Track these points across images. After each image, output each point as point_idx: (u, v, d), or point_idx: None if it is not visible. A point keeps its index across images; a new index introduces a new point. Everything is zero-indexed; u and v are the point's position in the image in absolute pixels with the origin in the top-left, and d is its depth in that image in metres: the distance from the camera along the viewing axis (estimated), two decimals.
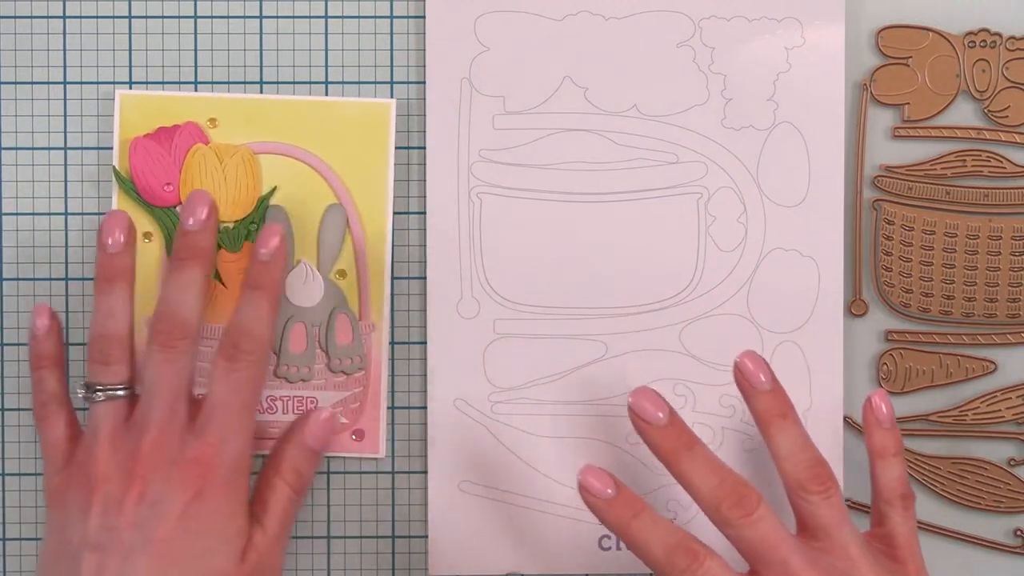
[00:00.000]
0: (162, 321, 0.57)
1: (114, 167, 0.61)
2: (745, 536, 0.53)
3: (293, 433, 0.60)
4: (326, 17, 0.62)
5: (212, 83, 0.62)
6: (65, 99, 0.62)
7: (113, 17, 0.62)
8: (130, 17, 0.62)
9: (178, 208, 0.61)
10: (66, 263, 0.62)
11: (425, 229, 0.62)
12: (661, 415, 0.54)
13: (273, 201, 0.61)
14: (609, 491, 0.54)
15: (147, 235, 0.61)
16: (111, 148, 0.61)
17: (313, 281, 0.61)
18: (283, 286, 0.60)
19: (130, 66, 0.62)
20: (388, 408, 0.62)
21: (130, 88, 0.62)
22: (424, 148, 0.62)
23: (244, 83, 0.62)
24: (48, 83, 0.62)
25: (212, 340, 0.61)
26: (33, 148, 0.62)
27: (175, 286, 0.58)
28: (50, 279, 0.62)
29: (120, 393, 0.57)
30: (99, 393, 0.57)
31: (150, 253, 0.61)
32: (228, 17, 0.62)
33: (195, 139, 0.61)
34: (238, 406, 0.57)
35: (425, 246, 0.62)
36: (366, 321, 0.61)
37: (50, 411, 0.59)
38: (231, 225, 0.61)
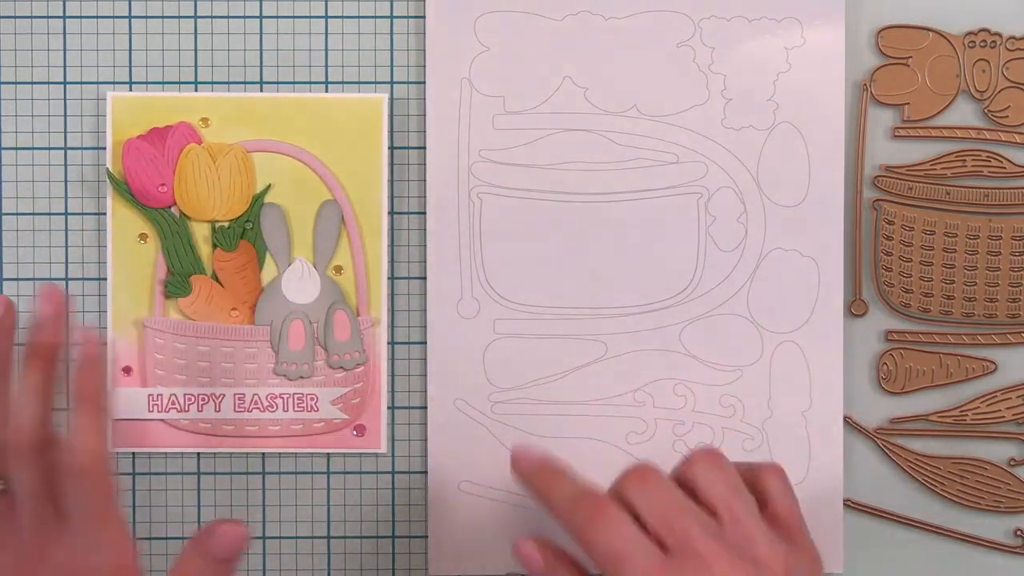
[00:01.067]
0: (15, 431, 0.54)
1: (107, 169, 0.61)
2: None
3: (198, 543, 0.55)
4: (326, 17, 0.62)
5: (212, 83, 0.62)
6: (65, 99, 0.62)
7: (113, 17, 0.62)
8: (130, 17, 0.62)
9: (173, 209, 0.61)
10: (66, 263, 0.62)
11: (425, 229, 0.62)
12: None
13: (267, 199, 0.61)
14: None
15: (142, 236, 0.61)
16: (104, 149, 0.61)
17: (309, 278, 0.61)
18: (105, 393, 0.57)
19: (130, 66, 0.62)
20: (388, 408, 0.62)
21: (130, 88, 0.62)
22: (424, 148, 0.62)
23: (244, 83, 0.62)
24: (48, 83, 0.62)
25: (212, 339, 0.61)
26: (33, 148, 0.62)
27: (21, 391, 0.55)
28: (50, 279, 0.62)
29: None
30: None
31: (146, 254, 0.61)
32: (228, 17, 0.62)
33: (188, 139, 0.61)
34: (94, 519, 0.53)
35: (425, 246, 0.62)
36: (365, 316, 0.61)
37: None
38: (226, 224, 0.61)
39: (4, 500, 0.55)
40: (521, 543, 0.54)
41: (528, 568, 0.54)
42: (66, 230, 0.62)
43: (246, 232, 0.61)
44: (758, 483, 0.54)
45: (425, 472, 0.62)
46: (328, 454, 0.62)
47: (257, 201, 0.61)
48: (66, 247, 0.62)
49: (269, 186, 0.61)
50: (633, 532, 0.51)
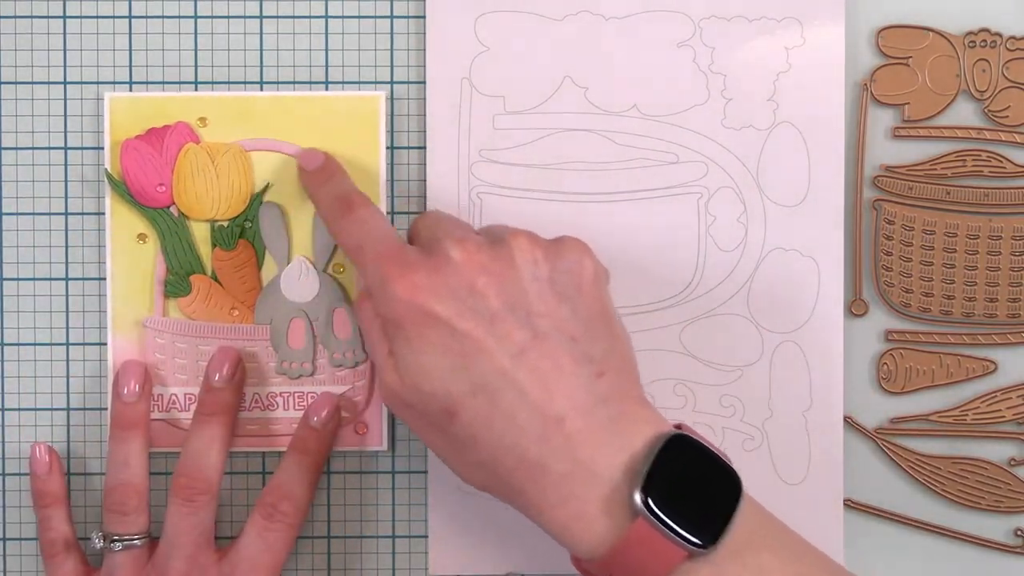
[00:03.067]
0: (183, 475, 0.58)
1: (106, 170, 0.61)
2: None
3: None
4: (326, 17, 0.62)
5: (212, 83, 0.62)
6: (65, 99, 0.62)
7: (113, 17, 0.62)
8: (130, 17, 0.62)
9: (172, 208, 0.61)
10: (66, 263, 0.62)
11: None
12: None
13: (266, 198, 0.61)
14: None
15: (141, 236, 0.61)
16: (103, 149, 0.61)
17: (309, 277, 0.61)
18: (328, 453, 0.61)
19: (130, 66, 0.62)
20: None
21: (130, 88, 0.62)
22: (424, 148, 0.62)
23: (244, 83, 0.62)
24: (48, 83, 0.62)
25: (212, 339, 0.61)
26: (33, 148, 0.62)
27: (198, 441, 0.59)
28: (50, 279, 0.62)
29: (137, 543, 0.58)
30: (116, 543, 0.58)
31: (145, 254, 0.61)
32: (228, 17, 0.62)
33: (186, 139, 0.61)
34: (266, 566, 0.58)
35: None
36: None
37: (57, 550, 0.60)
38: (225, 223, 0.61)
39: (147, 552, 0.59)
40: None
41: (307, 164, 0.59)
42: (66, 230, 0.62)
43: (245, 231, 0.61)
44: None
45: (425, 472, 0.62)
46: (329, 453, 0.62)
47: (256, 200, 0.61)
48: (66, 247, 0.62)
49: (268, 185, 0.61)
50: (377, 228, 0.54)
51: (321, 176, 0.59)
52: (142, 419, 0.59)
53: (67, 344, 0.62)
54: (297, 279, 0.61)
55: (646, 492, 0.49)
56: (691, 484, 0.50)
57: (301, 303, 0.61)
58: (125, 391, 0.59)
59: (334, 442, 0.61)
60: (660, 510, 0.49)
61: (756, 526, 0.51)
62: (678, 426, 0.52)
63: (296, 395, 0.61)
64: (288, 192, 0.61)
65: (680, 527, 0.49)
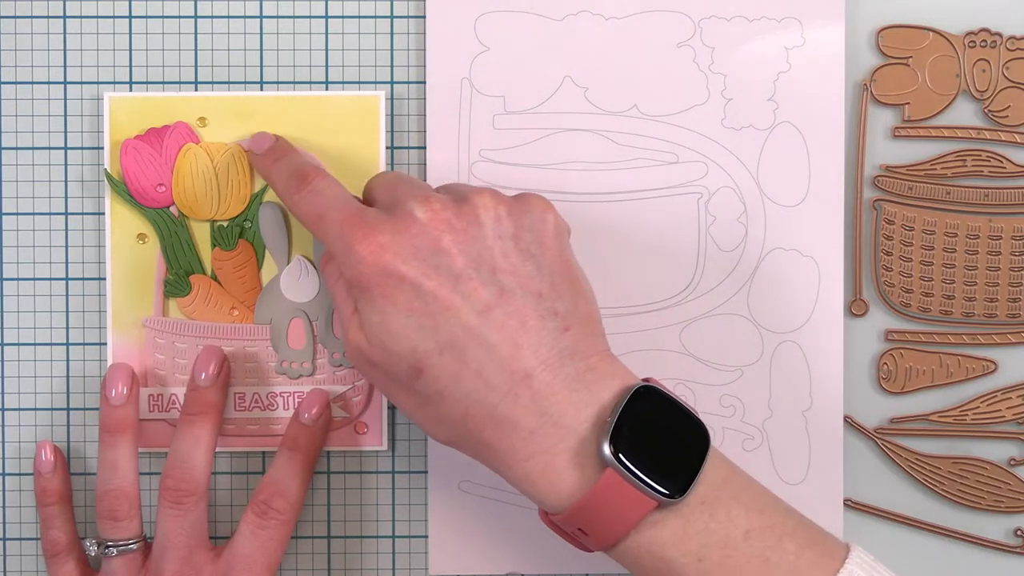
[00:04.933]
0: (171, 477, 0.58)
1: (105, 170, 0.61)
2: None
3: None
4: (326, 17, 0.62)
5: (212, 83, 0.62)
6: (65, 99, 0.62)
7: (113, 17, 0.62)
8: (130, 17, 0.62)
9: (172, 208, 0.61)
10: (66, 263, 0.62)
11: None
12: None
13: (266, 198, 0.61)
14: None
15: (141, 236, 0.61)
16: (103, 149, 0.61)
17: (308, 276, 0.61)
18: (320, 450, 0.61)
19: (130, 66, 0.62)
20: (389, 408, 0.62)
21: (130, 89, 0.62)
22: (424, 148, 0.62)
23: (244, 83, 0.62)
24: (48, 83, 0.62)
25: (212, 339, 0.61)
26: (33, 148, 0.62)
27: (184, 442, 0.58)
28: (50, 279, 0.62)
29: (133, 547, 0.59)
30: (111, 549, 0.58)
31: (145, 254, 0.61)
32: (228, 17, 0.62)
33: (185, 139, 0.61)
34: (261, 564, 0.58)
35: None
36: None
37: (59, 550, 0.60)
38: (225, 223, 0.61)
39: (142, 555, 0.59)
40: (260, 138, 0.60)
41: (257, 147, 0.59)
42: (66, 230, 0.62)
43: (244, 231, 0.61)
44: None
45: (425, 472, 0.62)
46: (328, 453, 0.62)
47: (255, 200, 0.61)
48: (66, 247, 0.62)
49: (267, 185, 0.61)
50: (335, 196, 0.54)
51: (272, 156, 0.59)
52: (130, 423, 0.59)
53: (67, 344, 0.62)
54: (297, 279, 0.61)
55: (614, 443, 0.49)
56: (659, 435, 0.50)
57: (301, 303, 0.61)
58: (113, 394, 0.59)
59: (326, 439, 0.61)
60: (629, 461, 0.49)
61: (724, 478, 0.51)
62: (647, 380, 0.52)
63: (296, 395, 0.62)
64: None
65: (649, 478, 0.49)
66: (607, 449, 0.49)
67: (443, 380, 0.51)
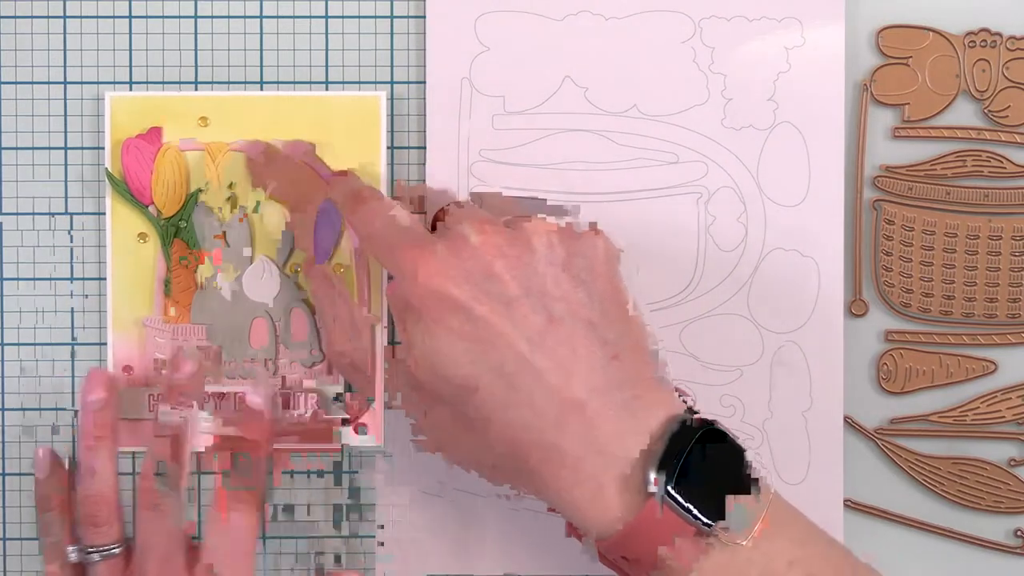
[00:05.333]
0: (146, 479, 0.58)
1: (106, 169, 0.61)
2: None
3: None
4: (326, 17, 0.62)
5: (212, 83, 0.62)
6: (65, 99, 0.62)
7: (113, 17, 0.62)
8: (130, 17, 0.62)
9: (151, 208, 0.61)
10: (71, 263, 0.62)
11: None
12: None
13: (267, 198, 0.61)
14: None
15: (142, 236, 0.61)
16: (103, 149, 0.61)
17: (271, 277, 0.61)
18: (273, 437, 0.61)
19: (130, 66, 0.62)
20: (387, 408, 0.62)
21: (130, 88, 0.62)
22: (424, 148, 0.62)
23: (244, 83, 0.62)
24: (48, 83, 0.62)
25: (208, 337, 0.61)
26: (33, 148, 0.62)
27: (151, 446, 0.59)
28: (50, 279, 0.62)
29: (115, 551, 0.58)
30: (94, 554, 0.58)
31: (145, 254, 0.61)
32: (228, 17, 0.62)
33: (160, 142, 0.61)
34: (237, 552, 0.57)
35: None
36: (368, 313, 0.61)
37: (57, 555, 0.59)
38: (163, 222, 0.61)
39: (125, 559, 0.58)
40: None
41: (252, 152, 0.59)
42: (69, 230, 0.62)
43: (180, 231, 0.61)
44: None
45: (423, 472, 0.62)
46: (328, 453, 0.62)
47: (191, 198, 0.60)
48: (70, 247, 0.62)
49: (207, 184, 0.61)
50: (391, 219, 0.54)
51: (342, 181, 0.59)
52: (109, 428, 0.59)
53: (67, 344, 0.62)
54: (259, 278, 0.61)
55: (661, 473, 0.49)
56: (706, 466, 0.50)
57: (263, 303, 0.61)
58: (91, 399, 0.58)
59: (278, 426, 0.61)
60: (676, 491, 0.49)
61: (769, 508, 0.51)
62: (711, 421, 0.52)
63: (296, 394, 0.61)
64: (288, 192, 0.61)
65: (695, 507, 0.49)
66: (653, 478, 0.49)
67: (491, 406, 0.51)
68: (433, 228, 0.56)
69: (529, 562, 0.62)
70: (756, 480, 0.51)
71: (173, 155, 0.61)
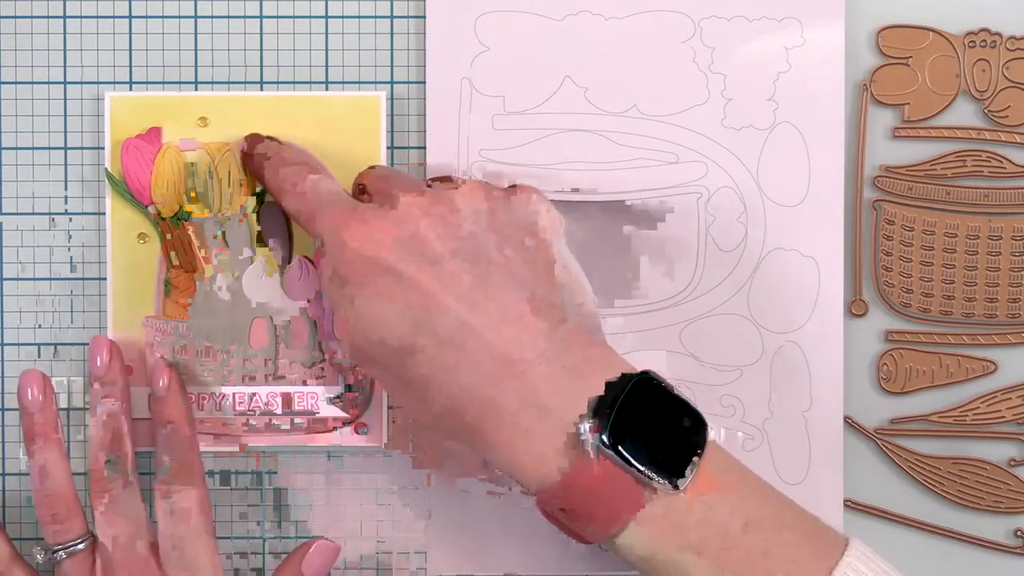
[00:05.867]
0: (94, 470, 0.57)
1: (106, 169, 0.61)
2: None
3: (292, 560, 0.60)
4: (326, 17, 0.62)
5: (212, 83, 0.62)
6: (65, 99, 0.62)
7: (113, 17, 0.62)
8: (130, 17, 0.62)
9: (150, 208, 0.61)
10: (69, 263, 0.62)
11: None
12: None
13: (267, 198, 0.61)
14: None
15: (142, 236, 0.61)
16: (103, 149, 0.61)
17: (309, 276, 0.61)
18: (190, 414, 0.60)
19: (130, 66, 0.62)
20: (389, 407, 0.62)
21: (130, 88, 0.62)
22: (424, 148, 0.62)
23: (244, 83, 0.62)
24: (48, 83, 0.62)
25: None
26: (33, 148, 0.62)
27: (95, 431, 0.58)
28: (50, 279, 0.62)
29: (80, 546, 0.58)
30: (59, 553, 0.58)
31: (146, 254, 0.61)
32: (228, 17, 0.62)
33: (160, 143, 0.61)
34: (190, 537, 0.57)
35: None
36: None
37: (11, 572, 0.59)
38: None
39: (91, 552, 0.58)
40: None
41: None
42: (68, 230, 0.62)
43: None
44: None
45: (425, 472, 0.62)
46: (328, 453, 0.62)
47: (256, 200, 0.61)
48: (68, 247, 0.62)
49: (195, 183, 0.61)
50: (326, 191, 0.55)
51: (265, 153, 0.59)
52: (51, 426, 0.58)
53: (67, 344, 0.62)
54: (297, 279, 0.61)
55: (613, 433, 0.49)
56: (658, 426, 0.50)
57: (302, 302, 0.61)
58: (28, 398, 0.58)
59: (189, 403, 0.60)
60: (627, 451, 0.49)
61: (722, 469, 0.51)
62: (645, 371, 0.52)
63: (296, 394, 0.61)
64: None
65: (646, 468, 0.49)
66: (605, 438, 0.49)
67: (427, 365, 0.51)
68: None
69: (529, 562, 0.62)
70: (698, 430, 0.50)
71: (173, 155, 0.61)
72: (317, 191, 0.55)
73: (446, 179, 0.56)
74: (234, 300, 0.61)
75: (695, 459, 0.50)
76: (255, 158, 0.59)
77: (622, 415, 0.49)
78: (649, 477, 0.49)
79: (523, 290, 0.51)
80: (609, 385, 0.50)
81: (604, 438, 0.49)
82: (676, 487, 0.49)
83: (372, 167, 0.58)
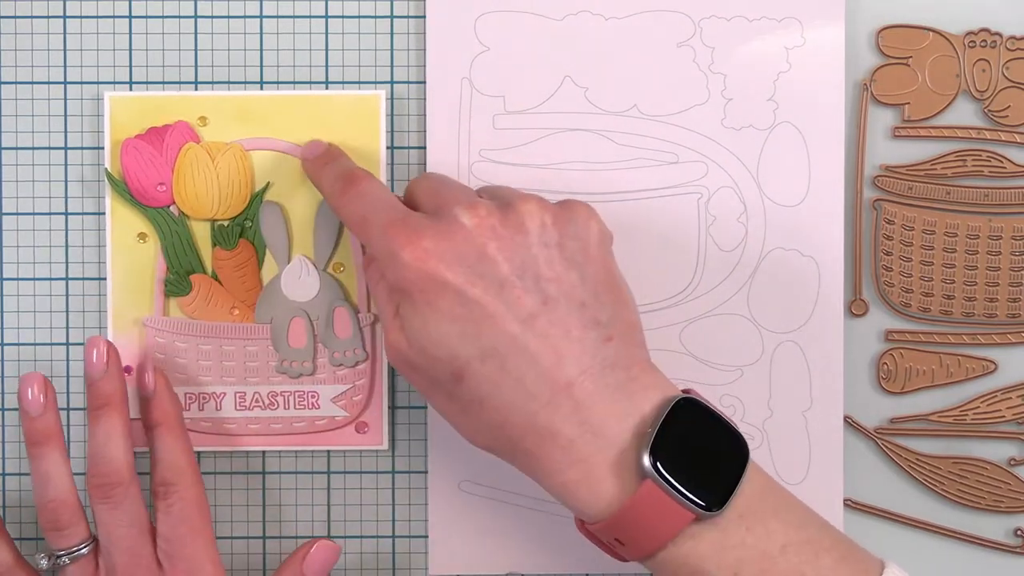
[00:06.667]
0: (94, 475, 0.57)
1: (106, 169, 0.61)
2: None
3: (294, 560, 0.60)
4: (326, 17, 0.62)
5: (212, 83, 0.62)
6: (65, 99, 0.62)
7: (113, 17, 0.62)
8: (130, 17, 0.62)
9: (172, 208, 0.61)
10: (66, 263, 0.62)
11: None
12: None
13: (267, 197, 0.61)
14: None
15: (141, 236, 0.61)
16: (103, 149, 0.61)
17: (309, 276, 0.61)
18: (180, 414, 0.61)
19: (130, 66, 0.62)
20: (389, 407, 0.62)
21: (130, 88, 0.62)
22: (424, 148, 0.62)
23: (244, 83, 0.62)
24: (48, 83, 0.62)
25: (213, 338, 0.61)
26: (33, 148, 0.62)
27: (96, 437, 0.58)
28: (50, 279, 0.62)
29: (83, 551, 0.58)
30: (63, 558, 0.58)
31: (146, 254, 0.61)
32: (228, 17, 0.62)
33: (186, 138, 0.61)
34: (189, 536, 0.57)
35: None
36: (366, 313, 0.61)
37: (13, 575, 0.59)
38: (226, 223, 0.61)
39: (94, 558, 0.58)
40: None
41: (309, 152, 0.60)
42: (66, 230, 0.62)
43: (245, 230, 0.61)
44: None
45: (425, 472, 0.62)
46: (328, 453, 0.62)
47: (256, 199, 0.61)
48: (66, 247, 0.62)
49: (268, 184, 0.61)
50: (380, 199, 0.54)
51: (322, 160, 0.59)
52: (53, 431, 0.58)
53: (67, 344, 0.62)
54: (297, 278, 0.61)
55: (654, 455, 0.49)
56: (699, 448, 0.50)
57: (302, 302, 0.61)
58: (30, 402, 0.57)
59: (179, 403, 0.60)
60: (668, 472, 0.49)
61: (762, 492, 0.51)
62: (687, 391, 0.52)
63: (297, 394, 0.61)
64: (289, 191, 0.61)
65: (687, 490, 0.49)
66: (647, 460, 0.49)
67: (484, 387, 0.51)
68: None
69: (530, 562, 0.62)
70: (748, 461, 0.51)
71: (237, 154, 0.61)
72: (369, 197, 0.55)
73: (496, 190, 0.56)
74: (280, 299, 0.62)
75: (737, 481, 0.50)
76: (314, 162, 0.59)
77: (668, 439, 0.50)
78: (692, 500, 0.49)
79: (578, 309, 0.51)
80: (655, 407, 0.51)
81: (654, 463, 0.49)
82: (718, 510, 0.49)
83: (424, 176, 0.58)
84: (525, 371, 0.50)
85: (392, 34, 0.62)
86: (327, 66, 0.62)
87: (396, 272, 0.51)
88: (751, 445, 0.62)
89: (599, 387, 0.50)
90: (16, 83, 0.62)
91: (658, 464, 0.49)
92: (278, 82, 0.62)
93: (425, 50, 0.62)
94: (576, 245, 0.53)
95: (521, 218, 0.52)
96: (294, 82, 0.62)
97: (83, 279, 0.62)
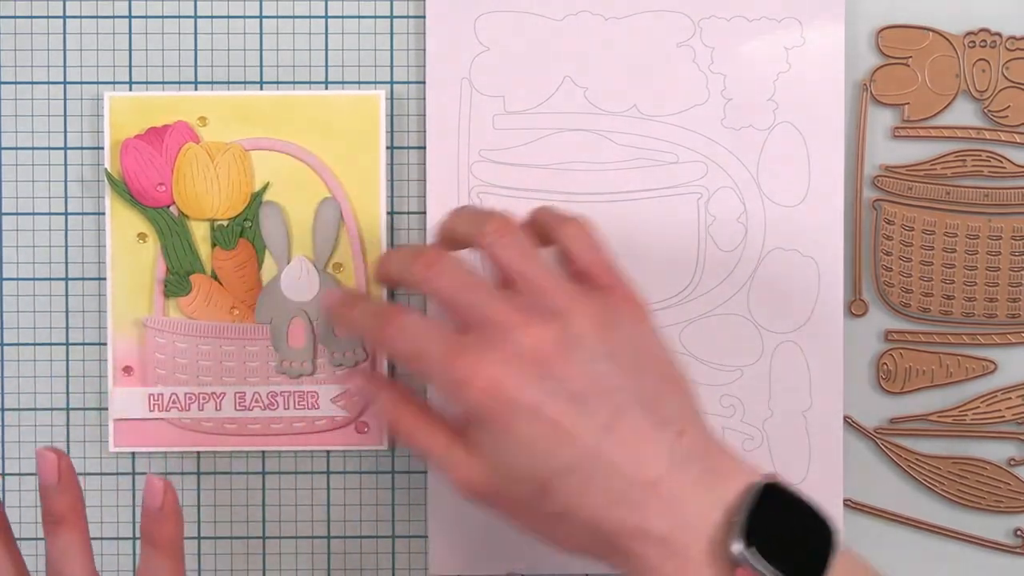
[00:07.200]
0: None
1: (106, 169, 0.61)
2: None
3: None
4: (326, 17, 0.62)
5: (212, 83, 0.62)
6: (65, 99, 0.62)
7: (113, 17, 0.62)
8: (130, 17, 0.62)
9: (172, 208, 0.61)
10: (66, 263, 0.62)
11: (424, 229, 0.62)
12: None
13: (266, 197, 0.61)
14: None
15: (141, 236, 0.61)
16: (103, 149, 0.61)
17: (309, 276, 0.61)
18: (182, 534, 0.54)
19: (130, 66, 0.62)
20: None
21: (130, 88, 0.62)
22: (424, 148, 0.62)
23: (244, 83, 0.62)
24: (48, 83, 0.62)
25: (213, 338, 0.61)
26: (33, 148, 0.62)
27: (52, 555, 0.53)
28: (50, 279, 0.62)
29: None
30: None
31: (145, 254, 0.61)
32: (228, 17, 0.62)
33: (185, 138, 0.61)
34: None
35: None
36: None
37: None
38: (226, 223, 0.61)
39: None
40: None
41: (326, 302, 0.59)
42: (66, 230, 0.62)
43: (245, 231, 0.61)
44: (558, 240, 0.55)
45: (425, 472, 0.62)
46: (328, 453, 0.62)
47: (255, 199, 0.61)
48: (66, 247, 0.62)
49: (267, 184, 0.61)
50: (424, 330, 0.53)
51: (346, 306, 0.57)
52: (69, 512, 0.52)
53: (67, 344, 0.62)
54: (297, 278, 0.61)
55: (745, 542, 0.49)
56: (787, 532, 0.50)
57: (301, 302, 0.61)
58: (44, 478, 0.52)
59: (182, 518, 0.55)
60: (760, 557, 0.49)
61: (853, 570, 0.51)
62: (768, 476, 0.52)
63: (296, 394, 0.62)
64: (288, 191, 0.61)
65: (782, 573, 0.49)
66: (736, 548, 0.49)
67: (572, 499, 0.51)
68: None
69: (530, 562, 0.62)
70: (836, 542, 0.51)
71: (237, 154, 0.61)
72: (413, 330, 0.53)
73: (555, 302, 0.53)
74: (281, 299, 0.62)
75: (825, 563, 0.50)
76: (339, 310, 0.57)
77: (755, 525, 0.50)
78: None
79: (648, 412, 0.51)
80: (738, 495, 0.51)
81: (745, 550, 0.49)
82: None
83: (457, 214, 0.56)
84: (610, 480, 0.50)
85: (392, 34, 0.62)
86: (327, 66, 0.62)
87: (467, 403, 0.51)
88: (751, 445, 0.62)
89: (683, 483, 0.50)
90: (16, 83, 0.62)
91: (750, 550, 0.49)
92: (278, 82, 0.62)
93: (425, 50, 0.62)
94: (629, 344, 0.52)
95: (578, 333, 0.51)
96: (294, 82, 0.62)
97: (83, 279, 0.62)
